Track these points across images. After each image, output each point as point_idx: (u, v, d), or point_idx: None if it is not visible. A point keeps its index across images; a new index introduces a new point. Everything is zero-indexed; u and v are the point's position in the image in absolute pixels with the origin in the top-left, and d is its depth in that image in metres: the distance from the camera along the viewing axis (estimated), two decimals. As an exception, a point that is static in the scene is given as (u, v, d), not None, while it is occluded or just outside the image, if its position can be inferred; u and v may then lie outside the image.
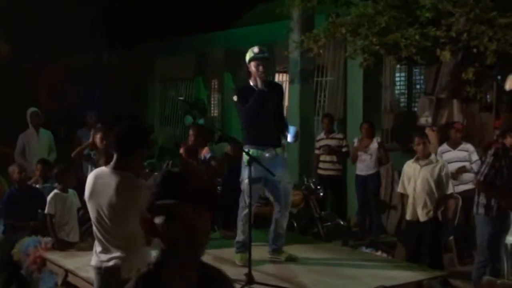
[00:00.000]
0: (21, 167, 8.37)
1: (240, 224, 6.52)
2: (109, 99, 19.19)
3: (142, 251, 4.28)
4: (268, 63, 6.69)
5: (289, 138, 6.48)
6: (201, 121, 12.44)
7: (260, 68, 6.45)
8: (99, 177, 4.32)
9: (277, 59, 13.58)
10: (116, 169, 4.26)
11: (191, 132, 8.03)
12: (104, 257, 4.26)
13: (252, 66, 6.51)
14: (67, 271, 6.12)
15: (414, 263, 6.82)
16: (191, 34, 16.56)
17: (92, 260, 4.38)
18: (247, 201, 6.21)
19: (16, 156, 10.45)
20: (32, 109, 10.71)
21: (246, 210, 6.29)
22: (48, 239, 6.92)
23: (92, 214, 4.32)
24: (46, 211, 7.00)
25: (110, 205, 4.18)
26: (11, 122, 12.11)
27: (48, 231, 6.96)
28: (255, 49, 6.56)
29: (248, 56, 6.56)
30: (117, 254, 4.22)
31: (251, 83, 6.56)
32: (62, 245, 6.82)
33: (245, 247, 6.27)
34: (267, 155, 6.38)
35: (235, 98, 6.57)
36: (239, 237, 6.52)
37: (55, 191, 7.21)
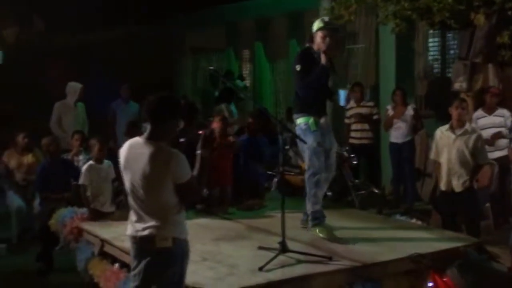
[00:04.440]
0: (55, 140, 8.47)
1: (314, 192, 6.19)
2: (141, 71, 19.28)
3: (176, 220, 4.31)
4: (336, 35, 6.25)
5: (341, 101, 6.36)
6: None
7: (327, 40, 6.12)
8: (133, 147, 4.36)
9: (307, 27, 13.48)
10: (149, 139, 4.28)
11: (216, 122, 7.89)
12: (139, 226, 4.30)
13: (318, 36, 6.18)
14: (103, 241, 6.18)
15: (449, 230, 6.75)
16: (220, 4, 16.48)
17: (127, 230, 4.43)
18: (318, 165, 6.12)
19: (53, 125, 10.55)
20: (78, 84, 10.80)
21: (319, 176, 6.14)
22: (84, 210, 7.01)
23: (127, 184, 4.36)
24: (80, 181, 7.08)
25: (143, 175, 4.21)
26: (46, 96, 12.21)
27: (83, 201, 7.06)
28: (326, 18, 6.30)
29: (316, 25, 6.22)
30: (151, 223, 4.25)
31: (313, 50, 6.25)
32: (96, 215, 6.90)
33: (324, 217, 6.19)
34: (322, 121, 6.27)
35: (297, 67, 6.17)
36: (316, 206, 6.21)
37: (90, 162, 7.29)
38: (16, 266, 7.88)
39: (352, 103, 10.65)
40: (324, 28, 6.17)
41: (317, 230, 6.15)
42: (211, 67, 13.05)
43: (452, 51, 11.76)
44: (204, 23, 17.38)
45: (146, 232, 4.26)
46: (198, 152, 4.39)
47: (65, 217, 6.98)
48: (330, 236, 6.03)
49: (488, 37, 8.89)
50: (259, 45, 15.73)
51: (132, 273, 4.44)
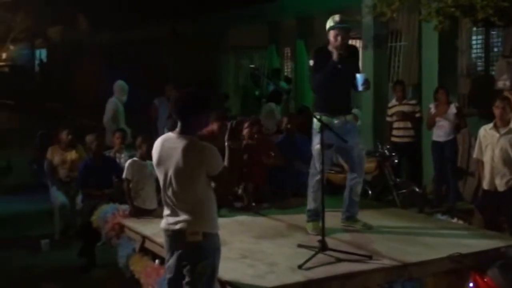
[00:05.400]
0: (98, 137, 8.58)
1: (310, 192, 6.41)
2: (183, 69, 19.42)
3: (207, 214, 4.38)
4: (348, 33, 6.35)
5: (359, 87, 6.31)
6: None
7: (339, 38, 6.19)
8: (166, 142, 4.43)
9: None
10: (182, 133, 4.36)
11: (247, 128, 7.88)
12: (171, 220, 4.39)
13: (331, 36, 6.26)
14: (144, 237, 6.23)
15: (492, 230, 6.65)
16: (262, 3, 16.50)
17: (161, 223, 4.52)
18: (318, 167, 6.17)
19: (107, 121, 10.74)
20: (126, 85, 10.98)
21: (318, 177, 6.22)
22: (125, 207, 7.07)
23: (161, 178, 4.44)
24: (123, 176, 7.14)
25: (177, 169, 4.28)
26: (88, 94, 12.39)
27: (125, 197, 7.11)
28: (336, 17, 6.29)
29: (328, 24, 6.30)
30: (183, 217, 4.33)
31: (329, 48, 6.32)
32: (137, 211, 6.95)
33: (317, 215, 6.20)
34: (336, 121, 6.28)
35: (311, 62, 6.38)
36: (310, 205, 6.39)
37: (134, 158, 7.36)
38: (59, 261, 7.98)
39: (394, 101, 10.57)
40: (335, 27, 6.23)
41: (310, 225, 6.32)
42: (252, 65, 13.05)
43: (496, 49, 11.59)
44: (246, 21, 17.42)
45: (177, 226, 4.34)
46: (226, 143, 4.44)
47: (107, 214, 7.05)
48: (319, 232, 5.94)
49: (533, 35, 8.76)
50: (301, 43, 15.69)
51: (166, 265, 4.55)
